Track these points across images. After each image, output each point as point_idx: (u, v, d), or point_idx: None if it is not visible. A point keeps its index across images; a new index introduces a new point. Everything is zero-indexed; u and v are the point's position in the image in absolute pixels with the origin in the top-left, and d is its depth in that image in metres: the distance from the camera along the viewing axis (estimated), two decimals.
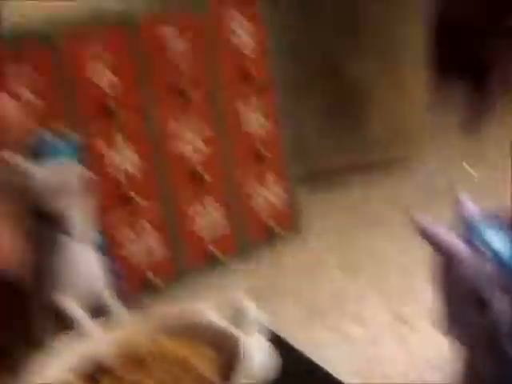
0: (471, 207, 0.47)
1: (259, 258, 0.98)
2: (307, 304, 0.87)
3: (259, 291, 0.90)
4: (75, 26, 0.82)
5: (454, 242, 0.44)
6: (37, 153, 0.62)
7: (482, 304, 0.43)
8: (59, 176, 0.62)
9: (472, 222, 0.45)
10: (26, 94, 0.78)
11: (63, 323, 0.66)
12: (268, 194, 0.99)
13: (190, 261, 0.94)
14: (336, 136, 1.18)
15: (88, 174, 0.63)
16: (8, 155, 0.61)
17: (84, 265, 0.67)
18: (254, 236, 0.99)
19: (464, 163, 1.20)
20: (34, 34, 0.79)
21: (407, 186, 1.15)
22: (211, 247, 0.94)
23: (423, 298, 0.82)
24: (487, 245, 0.43)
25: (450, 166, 1.21)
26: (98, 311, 0.68)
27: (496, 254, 0.43)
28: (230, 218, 0.96)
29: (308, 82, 1.14)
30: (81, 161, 0.66)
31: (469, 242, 0.44)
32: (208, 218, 0.94)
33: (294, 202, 1.02)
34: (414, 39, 1.21)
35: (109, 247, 0.72)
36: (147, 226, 0.89)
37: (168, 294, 0.91)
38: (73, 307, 0.66)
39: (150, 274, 0.89)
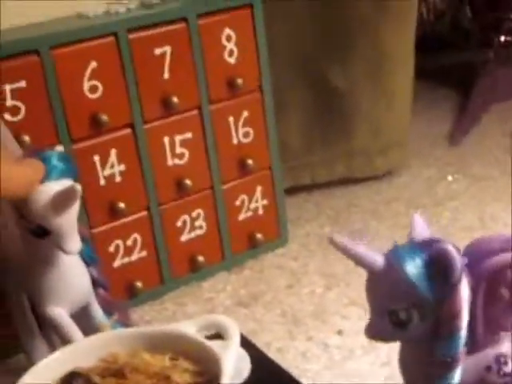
0: (420, 231, 0.51)
1: (245, 267, 1.00)
2: (291, 313, 0.89)
3: (244, 300, 0.93)
4: (63, 35, 0.83)
5: (371, 256, 0.48)
6: None
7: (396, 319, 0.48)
8: (56, 194, 0.62)
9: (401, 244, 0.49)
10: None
11: (55, 332, 0.69)
12: (255, 205, 1.01)
13: (176, 270, 0.96)
14: (321, 147, 1.19)
15: (80, 190, 0.63)
16: None
17: (74, 276, 0.68)
18: (241, 246, 1.01)
19: (449, 177, 1.22)
20: (19, 43, 0.80)
21: (391, 199, 1.17)
22: (197, 257, 0.96)
23: None
24: (401, 265, 0.48)
25: (434, 178, 1.23)
26: (83, 320, 0.70)
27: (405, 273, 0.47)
28: (217, 228, 0.98)
29: (292, 92, 1.15)
30: (75, 177, 0.66)
31: (389, 259, 0.48)
32: (195, 228, 0.96)
33: (280, 213, 1.04)
34: (404, 49, 1.21)
35: (96, 257, 0.73)
36: (137, 237, 0.91)
37: (154, 304, 0.94)
38: (63, 317, 0.68)
39: (137, 283, 0.92)
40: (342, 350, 0.81)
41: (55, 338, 0.71)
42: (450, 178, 1.22)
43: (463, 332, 0.48)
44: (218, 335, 0.62)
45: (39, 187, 0.63)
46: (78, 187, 0.62)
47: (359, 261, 0.49)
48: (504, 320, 0.48)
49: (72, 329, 0.68)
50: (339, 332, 0.84)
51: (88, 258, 0.70)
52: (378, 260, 0.48)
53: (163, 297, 0.95)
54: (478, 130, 1.42)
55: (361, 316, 0.86)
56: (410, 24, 1.21)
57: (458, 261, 0.47)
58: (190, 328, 0.61)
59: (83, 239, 0.67)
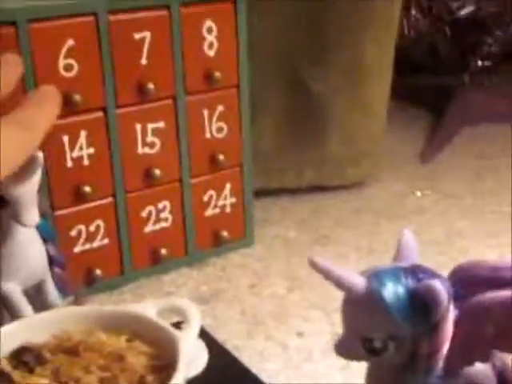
0: (408, 252, 0.48)
1: (208, 264, 0.99)
2: (251, 313, 0.88)
3: (205, 296, 0.92)
4: (42, 9, 0.81)
5: (353, 278, 0.45)
6: None
7: (370, 346, 0.45)
8: None
9: (381, 268, 0.46)
10: None
11: (5, 308, 0.66)
12: (223, 203, 1.00)
13: (137, 261, 0.94)
14: (292, 152, 1.18)
15: (42, 159, 0.61)
16: None
17: (30, 252, 0.66)
18: (205, 242, 0.99)
19: (418, 192, 1.22)
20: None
21: (359, 209, 1.17)
22: (160, 250, 0.95)
23: None
24: (381, 293, 0.44)
25: (403, 193, 1.23)
26: (36, 297, 0.68)
27: (385, 303, 0.44)
28: (183, 222, 0.97)
29: (268, 93, 1.14)
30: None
31: (370, 284, 0.45)
32: (160, 221, 0.95)
33: (247, 213, 1.03)
34: (382, 61, 1.21)
35: (54, 234, 0.71)
36: (101, 223, 0.90)
37: (112, 294, 0.92)
38: (15, 293, 0.66)
39: (97, 271, 0.90)
40: (301, 351, 0.80)
41: (6, 315, 0.68)
42: (418, 193, 1.22)
43: (438, 367, 0.45)
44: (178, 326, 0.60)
45: None
46: (40, 156, 0.60)
47: (339, 283, 0.45)
48: (482, 352, 0.45)
49: (23, 305, 0.66)
50: (299, 334, 0.83)
51: (46, 234, 0.68)
52: (360, 283, 0.45)
53: (122, 287, 0.93)
54: (449, 151, 1.43)
55: (321, 319, 0.86)
56: (390, 36, 1.20)
57: (445, 300, 0.43)
58: (149, 310, 0.59)
59: (43, 214, 0.65)
